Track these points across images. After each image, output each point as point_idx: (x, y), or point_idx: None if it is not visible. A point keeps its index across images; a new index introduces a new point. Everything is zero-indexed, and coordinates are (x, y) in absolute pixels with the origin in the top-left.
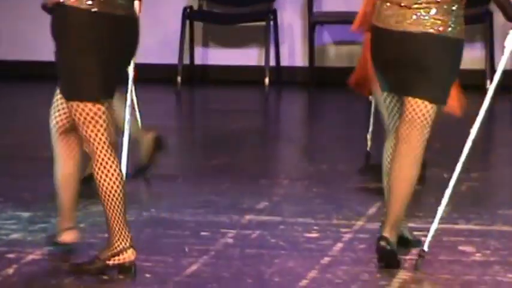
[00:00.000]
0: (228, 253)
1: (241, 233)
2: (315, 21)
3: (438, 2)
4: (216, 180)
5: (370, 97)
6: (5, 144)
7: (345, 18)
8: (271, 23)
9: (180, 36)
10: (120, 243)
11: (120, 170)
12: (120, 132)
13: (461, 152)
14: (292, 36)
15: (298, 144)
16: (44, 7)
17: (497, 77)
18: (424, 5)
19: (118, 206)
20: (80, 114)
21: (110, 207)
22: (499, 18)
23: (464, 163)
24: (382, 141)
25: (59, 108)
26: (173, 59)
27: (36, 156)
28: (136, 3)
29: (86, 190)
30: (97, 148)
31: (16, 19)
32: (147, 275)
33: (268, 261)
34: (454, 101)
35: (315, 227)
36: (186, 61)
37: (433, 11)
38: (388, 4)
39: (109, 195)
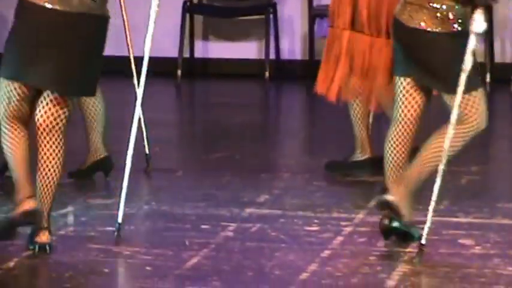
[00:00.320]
0: (228, 246)
1: (241, 226)
2: (315, 14)
3: None
4: (216, 174)
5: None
6: None
7: None
8: (271, 16)
9: (180, 30)
10: (20, 195)
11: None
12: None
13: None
14: (292, 30)
15: (298, 137)
16: None
17: (467, 63)
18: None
19: (15, 164)
20: None
21: (11, 166)
22: (498, 12)
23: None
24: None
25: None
26: (173, 52)
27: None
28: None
29: (86, 183)
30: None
31: None
32: (148, 268)
33: (269, 255)
34: None
35: (316, 220)
36: (186, 54)
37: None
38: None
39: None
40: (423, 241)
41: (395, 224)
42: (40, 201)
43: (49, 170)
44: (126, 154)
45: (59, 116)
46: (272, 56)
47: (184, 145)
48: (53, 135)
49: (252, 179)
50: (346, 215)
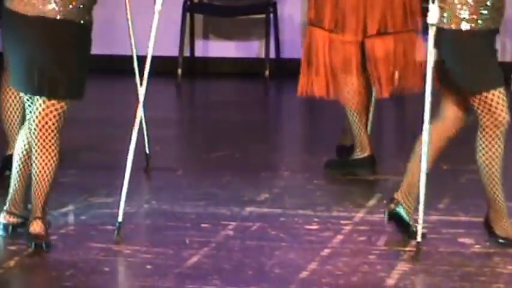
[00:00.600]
0: (228, 245)
1: (241, 225)
2: None
3: None
4: (216, 173)
5: None
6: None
7: None
8: (271, 15)
9: (181, 29)
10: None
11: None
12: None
13: (461, 144)
14: (292, 29)
15: (298, 136)
16: None
17: (430, 55)
18: None
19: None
20: None
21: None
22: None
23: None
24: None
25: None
26: (174, 51)
27: None
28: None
29: (86, 182)
30: None
31: None
32: (148, 267)
33: (269, 253)
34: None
35: (315, 219)
36: (187, 53)
37: None
38: None
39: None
40: (419, 239)
41: (399, 209)
42: (34, 195)
43: (43, 166)
44: (126, 153)
45: (49, 114)
46: (272, 55)
47: (185, 144)
48: (47, 134)
49: (252, 178)
50: (346, 214)
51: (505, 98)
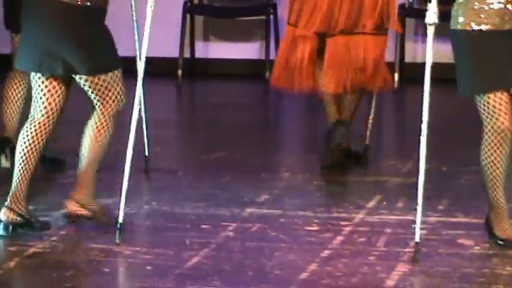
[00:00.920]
0: (228, 246)
1: (241, 226)
2: None
3: None
4: (216, 174)
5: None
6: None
7: None
8: (272, 16)
9: (181, 30)
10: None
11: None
12: None
13: (460, 145)
14: None
15: (298, 137)
16: None
17: (429, 55)
18: None
19: None
20: None
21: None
22: None
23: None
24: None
25: None
26: (174, 53)
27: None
28: None
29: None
30: None
31: None
32: (148, 268)
33: (269, 254)
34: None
35: (315, 220)
36: (187, 54)
37: None
38: None
39: None
40: (417, 239)
41: None
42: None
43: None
44: (126, 154)
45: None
46: (272, 56)
47: (185, 145)
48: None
49: (252, 179)
50: (346, 215)
51: (504, 103)
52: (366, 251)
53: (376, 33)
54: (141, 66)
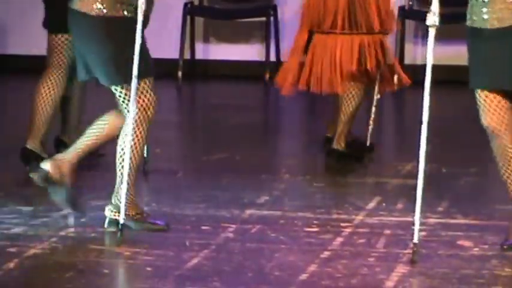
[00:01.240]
0: (228, 247)
1: (241, 227)
2: None
3: None
4: (216, 175)
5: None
6: (5, 138)
7: None
8: (272, 18)
9: (181, 32)
10: None
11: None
12: None
13: (460, 147)
14: (293, 32)
15: (298, 138)
16: None
17: (429, 55)
18: None
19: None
20: None
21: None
22: None
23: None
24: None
25: None
26: (174, 54)
27: None
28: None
29: (86, 184)
30: None
31: None
32: (148, 269)
33: (269, 255)
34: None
35: (315, 222)
36: (187, 56)
37: None
38: None
39: None
40: (415, 240)
41: None
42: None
43: None
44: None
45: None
46: (272, 58)
47: (185, 146)
48: None
49: (252, 180)
50: (345, 216)
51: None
52: (366, 252)
53: (375, 33)
54: (135, 66)
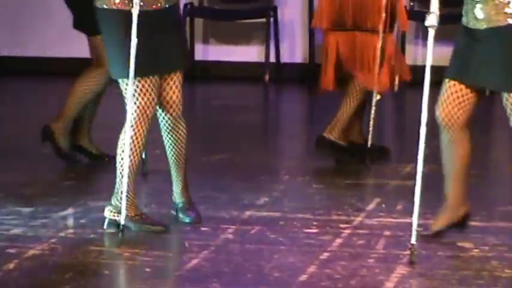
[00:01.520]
0: (228, 248)
1: (241, 229)
2: None
3: None
4: (216, 176)
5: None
6: (5, 139)
7: None
8: (272, 19)
9: None
10: None
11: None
12: None
13: None
14: (293, 33)
15: (298, 140)
16: None
17: (429, 56)
18: None
19: None
20: None
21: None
22: None
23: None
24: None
25: None
26: None
27: (36, 151)
28: None
29: (86, 185)
30: None
31: None
32: (147, 270)
33: (268, 257)
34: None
35: (315, 223)
36: None
37: None
38: None
39: None
40: (413, 241)
41: None
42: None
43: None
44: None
45: None
46: (272, 59)
47: None
48: None
49: (251, 182)
50: (345, 218)
51: (446, 91)
52: (365, 254)
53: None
54: (131, 67)
